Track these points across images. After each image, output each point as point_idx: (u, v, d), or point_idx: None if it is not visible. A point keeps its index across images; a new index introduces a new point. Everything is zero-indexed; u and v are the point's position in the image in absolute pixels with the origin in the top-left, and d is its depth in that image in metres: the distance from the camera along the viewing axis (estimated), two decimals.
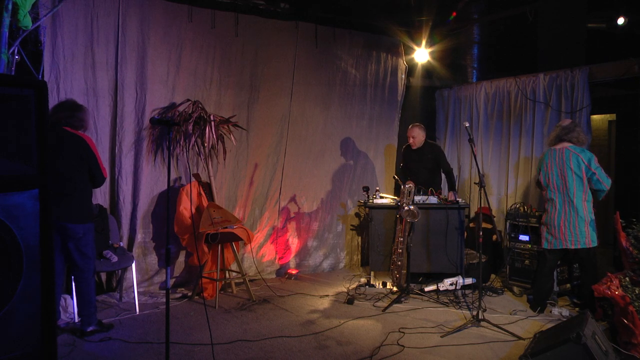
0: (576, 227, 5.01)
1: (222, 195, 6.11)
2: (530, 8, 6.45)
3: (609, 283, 4.62)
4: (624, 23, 6.09)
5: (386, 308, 5.23)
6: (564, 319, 4.77)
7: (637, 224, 4.65)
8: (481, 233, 4.92)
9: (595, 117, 7.97)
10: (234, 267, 5.94)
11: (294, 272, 6.52)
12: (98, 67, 5.29)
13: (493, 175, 7.17)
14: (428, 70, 7.73)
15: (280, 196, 6.61)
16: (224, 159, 5.95)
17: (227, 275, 5.79)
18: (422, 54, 7.41)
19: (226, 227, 5.41)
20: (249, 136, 6.29)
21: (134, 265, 5.18)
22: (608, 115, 8.34)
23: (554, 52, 7.41)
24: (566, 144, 5.09)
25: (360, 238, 7.16)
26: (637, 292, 4.43)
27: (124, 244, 5.45)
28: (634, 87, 6.17)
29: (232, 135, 5.84)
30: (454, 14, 7.28)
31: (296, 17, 6.54)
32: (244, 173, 6.32)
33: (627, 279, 4.58)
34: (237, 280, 5.83)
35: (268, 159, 6.50)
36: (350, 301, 5.44)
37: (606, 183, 4.98)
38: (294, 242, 6.72)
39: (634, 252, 4.62)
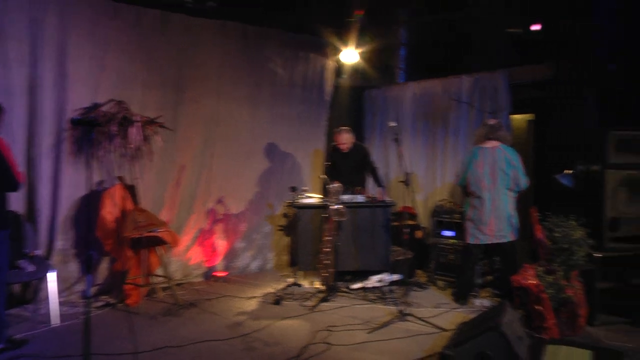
0: (503, 222, 5.28)
1: (148, 198, 5.96)
2: (455, 14, 6.68)
3: (525, 273, 4.87)
4: (538, 30, 6.43)
5: (314, 307, 5.27)
6: (485, 309, 4.97)
7: (551, 217, 4.92)
8: (406, 230, 5.05)
9: (516, 116, 8.32)
10: (160, 271, 5.81)
11: (221, 274, 6.45)
12: (11, 64, 5.02)
13: (421, 174, 7.37)
14: (357, 71, 7.82)
15: (207, 198, 6.53)
16: (150, 161, 5.81)
17: (153, 280, 5.66)
18: (350, 55, 7.49)
19: (151, 231, 5.29)
20: (175, 137, 6.16)
21: (52, 274, 4.92)
22: (527, 115, 8.72)
23: (478, 55, 7.68)
24: (496, 143, 5.36)
25: (288, 238, 7.17)
26: (549, 280, 4.69)
27: (41, 252, 5.20)
28: (549, 89, 6.50)
29: (158, 136, 5.71)
30: (380, 16, 7.42)
31: (224, 16, 6.47)
32: (171, 175, 6.20)
33: (542, 268, 4.84)
34: (163, 285, 5.70)
35: (195, 160, 6.40)
36: (278, 301, 5.45)
37: (524, 181, 5.31)
38: (221, 244, 6.65)
39: (548, 243, 4.88)
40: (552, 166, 6.22)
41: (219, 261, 6.63)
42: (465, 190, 5.53)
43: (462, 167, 5.54)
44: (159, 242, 5.35)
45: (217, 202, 6.63)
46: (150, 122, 5.63)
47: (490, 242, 5.35)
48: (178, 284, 5.88)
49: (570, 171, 5.58)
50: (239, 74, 6.70)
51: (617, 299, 5.20)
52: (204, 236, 6.50)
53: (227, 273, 6.53)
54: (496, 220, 5.28)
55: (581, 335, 4.67)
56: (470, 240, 5.42)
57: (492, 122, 5.52)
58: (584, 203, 5.40)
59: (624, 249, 5.14)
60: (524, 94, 7.26)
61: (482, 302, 5.42)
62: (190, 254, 6.38)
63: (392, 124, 5.18)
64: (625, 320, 5.06)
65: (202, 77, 6.38)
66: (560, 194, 5.97)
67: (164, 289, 5.76)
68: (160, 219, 5.57)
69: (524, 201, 5.66)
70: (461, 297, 5.49)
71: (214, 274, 6.48)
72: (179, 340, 4.39)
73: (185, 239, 6.33)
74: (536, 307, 4.62)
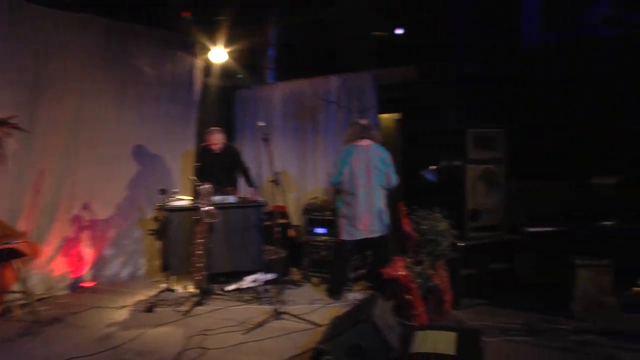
0: (376, 217, 5.49)
1: (3, 207, 5.45)
2: (322, 15, 6.84)
3: (395, 265, 5.10)
4: (401, 34, 6.79)
5: (188, 312, 5.16)
6: (358, 303, 5.13)
7: (418, 211, 5.20)
8: (278, 229, 5.10)
9: (384, 116, 8.70)
10: (17, 287, 5.32)
11: (89, 284, 6.12)
12: None
13: (293, 173, 7.47)
14: (226, 71, 7.77)
15: (72, 204, 6.13)
16: (4, 166, 5.33)
17: (8, 297, 5.16)
18: (219, 54, 7.43)
19: (6, 243, 4.87)
20: (34, 140, 5.68)
21: None
22: (395, 114, 9.14)
23: (345, 56, 7.93)
24: (369, 141, 5.55)
25: (159, 242, 6.92)
26: (417, 270, 4.95)
27: None
28: (413, 89, 6.86)
29: (11, 139, 5.26)
30: (249, 15, 7.42)
31: (86, 9, 6.10)
32: (29, 181, 5.72)
33: (410, 260, 5.10)
34: (21, 302, 5.21)
35: (57, 164, 5.97)
36: (150, 309, 5.27)
37: (395, 179, 5.62)
38: (88, 253, 6.28)
39: (415, 236, 5.15)
40: (418, 163, 6.59)
41: (86, 271, 6.26)
42: (338, 188, 5.66)
43: (336, 164, 5.65)
44: (15, 254, 4.94)
45: (83, 208, 6.26)
46: (2, 123, 5.18)
47: (363, 238, 5.53)
48: (39, 299, 5.43)
49: (435, 167, 5.94)
50: (104, 72, 6.37)
51: (477, 284, 5.63)
52: (68, 245, 6.10)
53: (95, 283, 6.20)
54: (369, 216, 5.48)
55: (447, 320, 5.00)
56: (345, 237, 5.57)
57: (363, 121, 5.75)
58: (447, 196, 5.76)
59: (482, 237, 5.57)
60: (391, 94, 7.63)
61: (355, 295, 5.59)
62: (53, 265, 5.94)
63: (261, 123, 5.21)
64: (485, 302, 5.50)
65: (64, 75, 5.97)
66: (426, 189, 6.33)
67: (22, 306, 5.27)
68: (17, 230, 5.16)
69: (392, 197, 5.95)
70: (335, 292, 5.63)
71: (81, 284, 6.12)
72: None
73: (48, 249, 5.90)
74: (406, 296, 4.87)
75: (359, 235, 5.53)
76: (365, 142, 5.58)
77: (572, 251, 5.17)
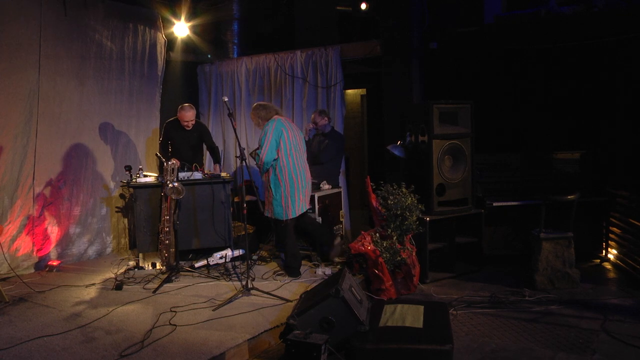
0: (310, 189, 5.58)
1: None
2: None
3: (362, 240, 5.18)
4: (366, 8, 6.77)
5: (157, 289, 5.15)
6: (326, 277, 5.19)
7: (384, 186, 5.25)
8: (245, 205, 5.11)
9: (349, 91, 8.72)
10: None
11: (55, 263, 6.03)
12: None
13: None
14: (189, 45, 7.66)
15: (34, 181, 6.00)
16: None
17: None
18: (181, 28, 7.30)
19: None
20: None
21: None
22: (360, 90, 9.16)
23: (310, 31, 7.88)
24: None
25: (126, 220, 6.88)
26: (385, 245, 5.03)
27: None
28: (378, 65, 6.87)
29: None
30: None
31: None
32: None
33: (377, 234, 5.18)
34: None
35: (16, 140, 5.84)
36: (118, 287, 5.24)
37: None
38: (53, 231, 6.20)
39: (382, 210, 5.22)
40: (385, 138, 6.64)
41: (51, 249, 6.18)
42: (273, 165, 5.36)
43: (267, 140, 5.24)
44: None
45: (46, 185, 6.16)
46: None
47: (303, 210, 5.50)
48: (3, 279, 5.39)
49: (401, 142, 6.00)
50: (62, 45, 6.21)
51: (444, 257, 5.77)
52: (32, 223, 6.00)
53: (61, 261, 6.12)
54: (307, 186, 5.51)
55: (415, 293, 5.14)
56: (291, 214, 5.39)
57: (265, 102, 5.77)
58: (414, 171, 5.83)
59: (448, 211, 5.68)
60: (356, 69, 7.63)
61: (324, 270, 5.63)
62: (17, 244, 5.86)
63: (225, 99, 5.14)
64: (451, 275, 5.65)
65: (17, 47, 5.78)
66: (392, 164, 6.40)
67: None
68: None
69: (360, 171, 6.00)
70: (294, 270, 5.56)
71: (49, 263, 6.04)
72: (5, 342, 4.00)
73: (11, 229, 5.80)
74: (374, 271, 4.96)
75: (302, 209, 5.47)
76: (283, 117, 5.54)
77: (537, 225, 5.32)
